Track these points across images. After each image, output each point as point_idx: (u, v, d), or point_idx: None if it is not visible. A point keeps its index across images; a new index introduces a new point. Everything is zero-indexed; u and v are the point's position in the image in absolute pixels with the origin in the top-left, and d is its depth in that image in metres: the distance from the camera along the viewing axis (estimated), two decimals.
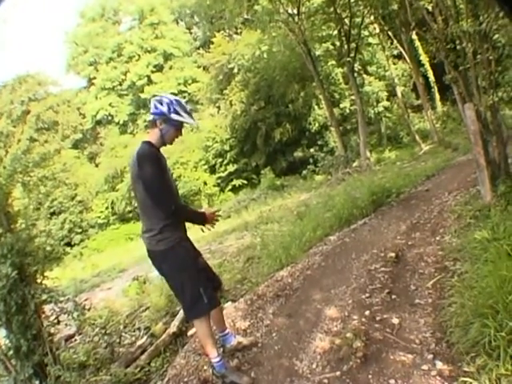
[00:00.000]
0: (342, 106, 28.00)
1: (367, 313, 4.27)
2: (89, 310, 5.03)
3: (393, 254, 5.65)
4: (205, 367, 4.03)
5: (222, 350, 4.08)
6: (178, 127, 3.56)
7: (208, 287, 3.63)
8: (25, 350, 4.11)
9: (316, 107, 28.34)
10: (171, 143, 3.63)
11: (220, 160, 30.61)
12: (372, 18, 21.91)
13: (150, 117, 3.59)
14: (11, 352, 4.25)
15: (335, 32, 20.42)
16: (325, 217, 8.85)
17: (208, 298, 3.57)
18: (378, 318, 4.13)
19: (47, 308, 4.68)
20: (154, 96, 3.64)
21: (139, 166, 3.39)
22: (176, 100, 3.51)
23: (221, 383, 3.71)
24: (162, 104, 3.48)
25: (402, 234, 6.78)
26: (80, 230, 32.25)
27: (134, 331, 6.34)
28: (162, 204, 3.43)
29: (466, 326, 3.38)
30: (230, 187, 30.26)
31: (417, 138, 23.68)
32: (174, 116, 3.46)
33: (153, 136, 3.57)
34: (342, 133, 23.16)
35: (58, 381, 4.14)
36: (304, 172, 25.66)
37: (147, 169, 3.38)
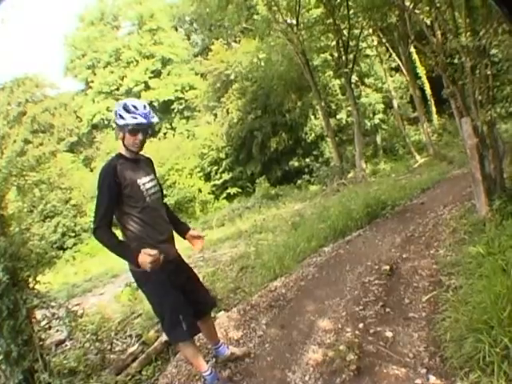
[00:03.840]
0: (338, 116, 28.06)
1: (361, 325, 4.26)
2: (81, 317, 4.99)
3: (387, 267, 5.64)
4: (196, 377, 4.00)
5: (214, 360, 4.06)
6: (131, 131, 3.35)
7: (188, 314, 3.52)
8: (15, 355, 4.07)
9: (313, 117, 28.39)
10: (138, 148, 3.47)
11: (215, 168, 30.60)
12: (370, 30, 22.06)
13: None
14: (1, 357, 4.21)
15: (333, 43, 20.47)
16: (319, 228, 8.83)
17: (187, 326, 3.47)
18: (371, 331, 4.12)
19: (38, 313, 4.65)
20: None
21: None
22: (123, 103, 3.39)
23: None
24: (114, 113, 3.42)
25: (396, 247, 6.77)
26: (73, 234, 32.05)
27: (126, 338, 6.28)
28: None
29: (460, 341, 3.37)
30: (224, 195, 30.24)
31: (412, 150, 23.71)
32: (119, 122, 3.36)
33: (121, 146, 3.51)
34: (337, 143, 23.17)
35: None
36: (299, 182, 25.69)
37: (97, 184, 3.37)
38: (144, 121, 3.31)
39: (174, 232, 3.74)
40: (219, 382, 3.68)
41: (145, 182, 3.46)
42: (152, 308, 3.74)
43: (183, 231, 3.89)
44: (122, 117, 3.32)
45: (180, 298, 3.50)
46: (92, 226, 3.32)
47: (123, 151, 3.47)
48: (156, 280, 3.40)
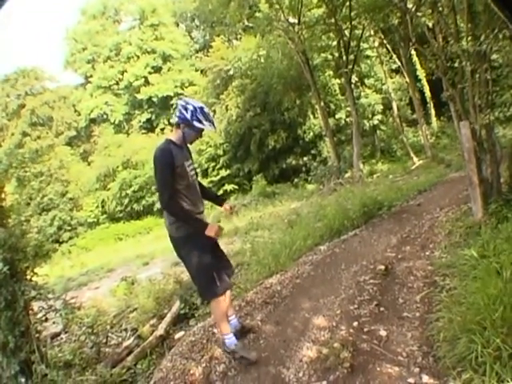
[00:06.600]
0: (337, 116, 28.07)
1: (355, 324, 4.29)
2: (79, 309, 5.03)
3: (382, 267, 5.67)
4: (191, 371, 4.03)
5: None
6: (199, 132, 3.99)
7: (221, 271, 4.05)
8: (12, 346, 4.09)
9: (311, 116, 28.41)
10: (191, 143, 4.15)
11: (213, 164, 30.54)
12: (372, 31, 22.07)
13: (175, 119, 4.04)
14: None
15: (334, 43, 20.48)
16: (315, 226, 8.87)
17: (220, 281, 3.96)
18: (365, 330, 4.15)
19: (35, 305, 4.66)
20: (181, 99, 4.07)
21: (153, 159, 3.83)
22: (200, 108, 3.89)
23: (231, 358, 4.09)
24: (186, 111, 3.89)
25: (392, 247, 6.80)
26: (69, 228, 32.01)
27: (121, 332, 6.32)
28: (159, 195, 3.88)
29: (453, 341, 3.40)
30: (221, 192, 30.16)
31: (410, 152, 23.77)
32: (196, 124, 3.87)
33: (175, 135, 4.02)
34: (335, 143, 23.16)
35: (44, 379, 4.12)
36: (296, 180, 25.73)
37: (156, 163, 3.81)
38: (213, 129, 4.02)
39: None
40: (237, 348, 4.06)
41: (188, 164, 4.03)
42: (189, 269, 4.14)
43: (220, 202, 4.66)
44: (199, 121, 3.87)
45: (213, 258, 4.06)
46: (162, 200, 3.83)
47: (175, 139, 3.99)
48: (194, 242, 3.92)
